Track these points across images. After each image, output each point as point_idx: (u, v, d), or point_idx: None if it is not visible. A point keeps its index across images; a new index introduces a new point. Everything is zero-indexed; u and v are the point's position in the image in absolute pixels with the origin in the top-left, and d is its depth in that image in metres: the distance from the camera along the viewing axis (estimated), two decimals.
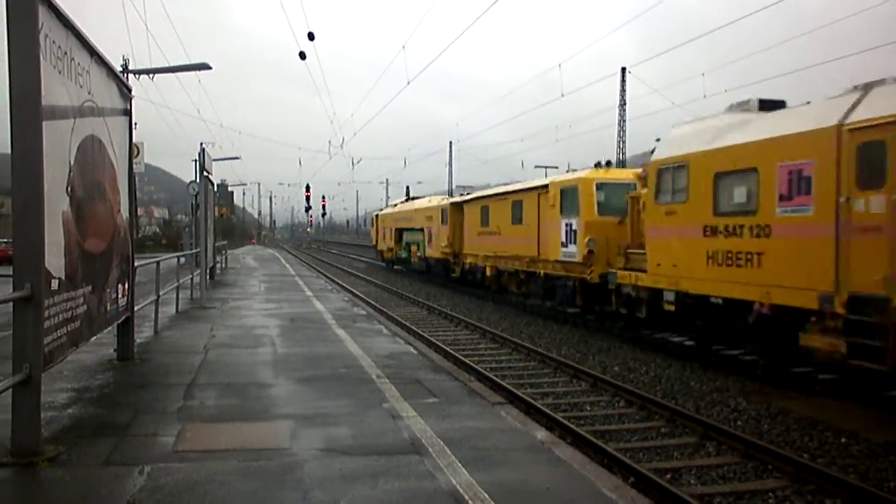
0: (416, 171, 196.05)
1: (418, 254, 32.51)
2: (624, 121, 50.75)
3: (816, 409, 9.15)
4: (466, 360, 12.17)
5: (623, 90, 49.58)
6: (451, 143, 77.66)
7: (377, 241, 43.92)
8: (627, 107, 50.24)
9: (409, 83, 25.57)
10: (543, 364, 12.56)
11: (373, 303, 21.10)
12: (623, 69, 49.16)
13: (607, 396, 10.16)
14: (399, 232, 37.04)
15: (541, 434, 6.00)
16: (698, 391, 10.44)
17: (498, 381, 10.58)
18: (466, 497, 4.38)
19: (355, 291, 25.10)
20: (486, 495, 4.41)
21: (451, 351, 13.11)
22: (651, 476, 6.54)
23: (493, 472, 4.89)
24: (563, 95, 33.14)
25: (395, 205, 40.98)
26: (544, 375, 11.74)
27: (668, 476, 6.84)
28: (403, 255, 35.89)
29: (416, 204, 34.80)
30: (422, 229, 31.37)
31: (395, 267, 40.11)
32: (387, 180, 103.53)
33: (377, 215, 45.28)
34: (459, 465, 4.99)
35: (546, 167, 51.26)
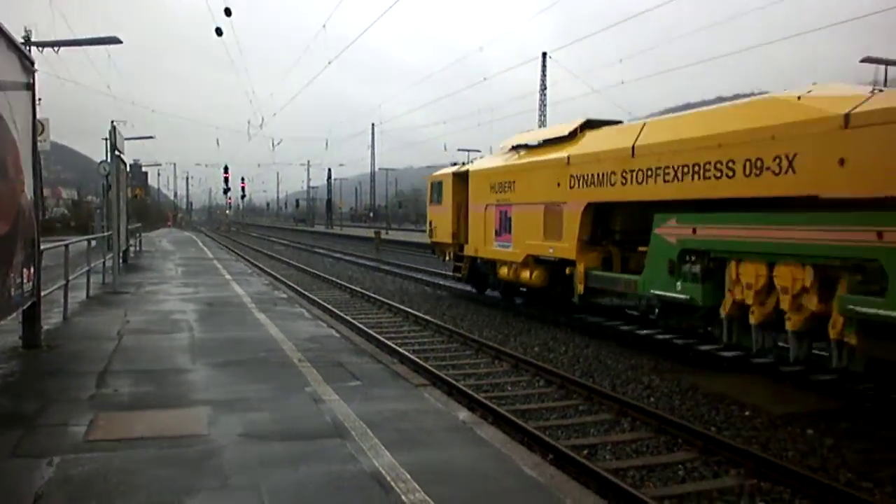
0: (338, 154, 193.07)
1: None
2: (545, 105, 51.61)
3: (723, 385, 9.61)
4: (389, 343, 12.18)
5: (544, 75, 50.37)
6: (373, 125, 77.28)
7: (454, 229, 18.87)
8: (548, 91, 51.12)
9: (329, 63, 25.24)
10: (466, 346, 12.71)
11: (294, 286, 20.81)
12: (544, 54, 49.95)
13: (528, 376, 10.38)
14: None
15: (463, 414, 6.09)
16: (614, 369, 10.80)
17: (421, 362, 10.65)
18: (389, 478, 4.41)
19: (276, 275, 24.68)
20: (409, 476, 4.45)
21: (374, 334, 13.10)
22: (569, 453, 6.75)
23: (416, 453, 4.93)
24: (485, 79, 33.40)
25: (520, 147, 16.07)
26: (467, 357, 11.89)
27: (585, 452, 7.06)
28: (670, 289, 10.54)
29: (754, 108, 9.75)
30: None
31: (514, 299, 17.42)
32: (308, 161, 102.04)
33: (455, 173, 19.04)
34: (382, 447, 5.01)
35: (468, 150, 51.60)
